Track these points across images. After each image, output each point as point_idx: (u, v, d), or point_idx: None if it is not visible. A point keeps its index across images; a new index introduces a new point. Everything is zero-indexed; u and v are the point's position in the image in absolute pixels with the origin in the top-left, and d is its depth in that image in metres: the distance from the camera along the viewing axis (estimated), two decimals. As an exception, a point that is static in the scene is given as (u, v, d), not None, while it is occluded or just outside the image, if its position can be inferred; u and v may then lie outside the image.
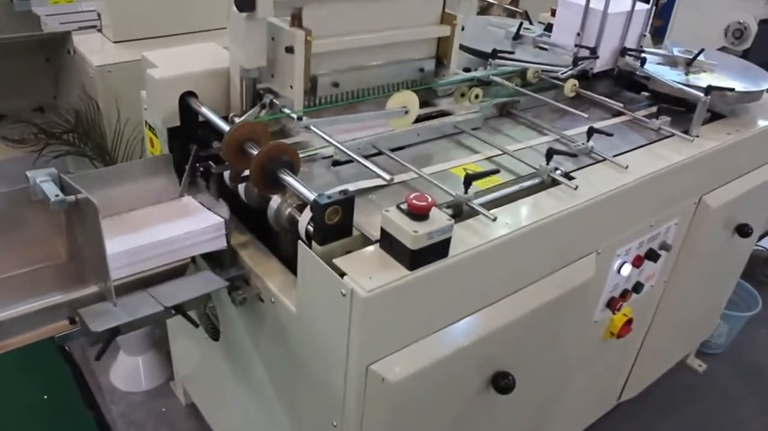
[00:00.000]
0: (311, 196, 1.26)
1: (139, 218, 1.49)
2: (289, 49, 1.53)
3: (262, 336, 1.58)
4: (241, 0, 1.42)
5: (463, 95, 1.87)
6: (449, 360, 1.32)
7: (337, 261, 1.21)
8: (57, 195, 1.29)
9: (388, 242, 1.22)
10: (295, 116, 1.54)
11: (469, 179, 1.37)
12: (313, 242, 1.25)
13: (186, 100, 1.62)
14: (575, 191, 1.51)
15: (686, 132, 1.90)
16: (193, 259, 1.50)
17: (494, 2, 3.49)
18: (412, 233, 1.16)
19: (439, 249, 1.22)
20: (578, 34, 2.06)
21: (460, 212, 1.38)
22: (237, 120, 1.61)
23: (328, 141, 1.46)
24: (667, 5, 3.41)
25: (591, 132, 1.72)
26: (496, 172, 1.48)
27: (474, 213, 1.37)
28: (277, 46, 1.57)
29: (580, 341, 1.83)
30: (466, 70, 2.00)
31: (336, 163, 1.55)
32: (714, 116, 2.06)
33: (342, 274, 1.19)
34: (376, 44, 1.69)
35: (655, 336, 2.25)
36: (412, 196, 1.19)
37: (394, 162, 1.56)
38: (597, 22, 2.00)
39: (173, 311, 1.36)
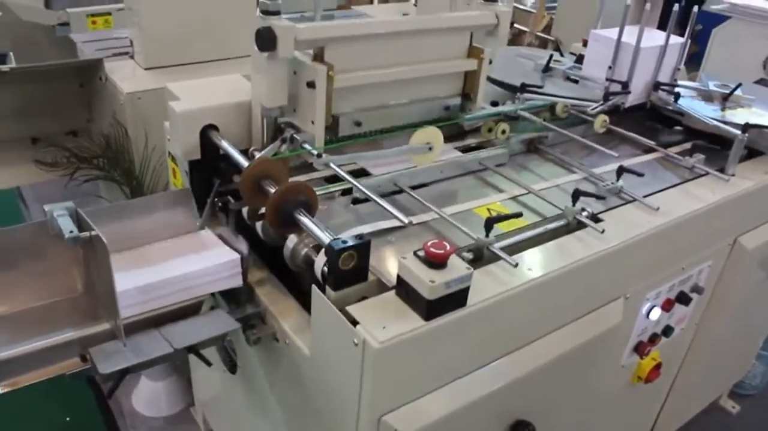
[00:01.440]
0: (326, 239, 1.23)
1: (156, 252, 1.48)
2: (311, 84, 1.52)
3: (277, 374, 1.55)
4: (263, 40, 1.42)
5: (490, 130, 1.84)
6: (466, 410, 1.27)
7: (350, 309, 1.18)
8: (72, 231, 1.29)
9: (405, 291, 1.19)
10: (314, 152, 1.51)
11: (490, 223, 1.33)
12: (327, 287, 1.22)
13: (207, 133, 1.62)
14: (602, 235, 1.46)
15: (722, 170, 1.83)
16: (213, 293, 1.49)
17: (526, 30, 3.46)
18: (428, 283, 1.12)
19: (457, 298, 1.18)
20: (610, 68, 2.01)
21: (480, 256, 1.34)
22: (257, 154, 1.60)
23: (346, 180, 1.43)
24: (704, 32, 3.32)
25: (621, 171, 1.66)
26: (518, 215, 1.43)
27: (495, 258, 1.33)
28: (299, 80, 1.56)
29: (606, 386, 1.76)
30: (494, 103, 1.96)
31: (356, 200, 1.53)
32: (751, 153, 1.98)
33: (355, 323, 1.15)
34: (400, 78, 1.67)
35: (685, 379, 2.16)
36: (429, 243, 1.16)
37: (416, 201, 1.53)
38: (629, 56, 1.95)
39: (186, 351, 1.34)
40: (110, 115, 2.48)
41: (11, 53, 2.56)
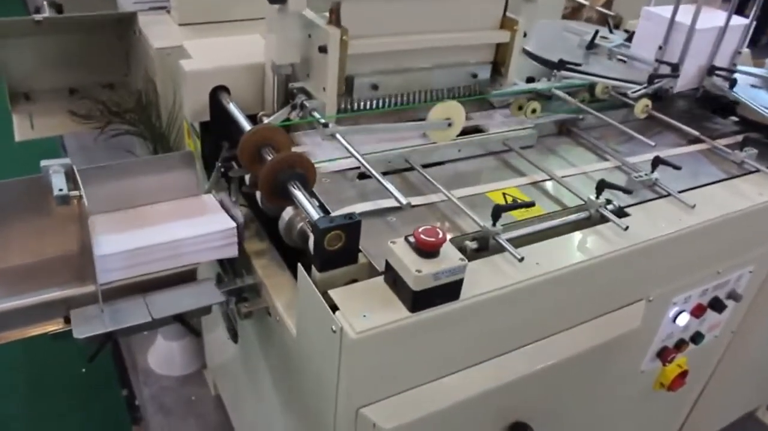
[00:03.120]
0: (315, 216, 1.15)
1: (151, 215, 1.43)
2: (323, 49, 1.43)
3: (269, 349, 1.50)
4: (273, -8, 1.33)
5: (520, 108, 1.71)
6: (455, 409, 1.19)
7: (333, 293, 1.10)
8: (61, 189, 1.25)
9: (392, 278, 1.10)
10: (322, 121, 1.43)
11: (498, 211, 1.22)
12: (313, 268, 1.15)
13: (217, 95, 1.55)
14: (626, 232, 1.33)
15: (776, 169, 1.66)
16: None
17: (585, 3, 3.24)
18: (414, 273, 1.03)
19: (448, 291, 1.09)
20: (660, 48, 1.84)
21: (486, 246, 1.24)
22: (266, 120, 1.53)
23: (349, 152, 1.35)
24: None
25: (656, 162, 1.52)
26: (530, 205, 1.32)
27: (502, 249, 1.23)
28: (313, 44, 1.47)
29: (623, 391, 1.64)
30: (530, 79, 1.83)
31: (362, 176, 1.44)
32: (813, 151, 1.80)
33: (335, 308, 1.08)
34: (422, 47, 1.56)
35: (716, 388, 2.02)
36: (421, 229, 1.06)
37: (426, 180, 1.43)
38: (682, 37, 1.78)
39: (170, 320, 1.30)
40: (143, 70, 2.45)
41: (45, 4, 2.57)
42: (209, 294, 1.33)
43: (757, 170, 1.65)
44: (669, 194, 1.49)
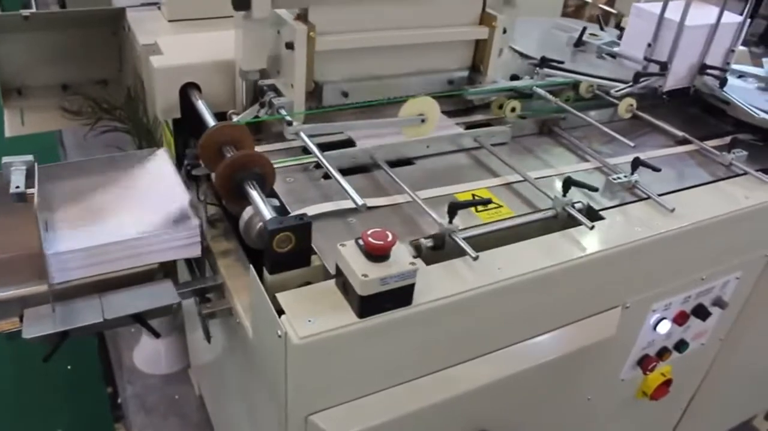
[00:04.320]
0: (267, 216, 1.12)
1: (114, 213, 1.40)
2: (289, 45, 1.39)
3: (235, 350, 1.48)
4: (238, -1, 1.30)
5: (501, 107, 1.67)
6: (411, 418, 1.15)
7: (280, 296, 1.07)
8: (18, 187, 1.23)
9: (342, 282, 1.07)
10: (287, 118, 1.39)
11: (454, 208, 1.18)
12: (265, 270, 1.12)
13: (187, 92, 1.52)
14: (598, 236, 1.28)
15: (765, 172, 1.60)
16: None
17: (588, 1, 3.19)
18: (360, 278, 1.00)
19: (399, 296, 1.05)
20: (649, 45, 1.78)
21: (441, 244, 1.20)
22: (235, 118, 1.50)
23: (311, 150, 1.31)
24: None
25: (637, 164, 1.46)
26: (487, 202, 1.28)
27: (460, 251, 1.18)
28: (282, 40, 1.44)
29: (602, 400, 1.59)
30: (514, 77, 1.78)
31: (327, 176, 1.40)
32: (808, 154, 1.73)
33: (281, 312, 1.04)
34: (396, 44, 1.52)
35: (706, 397, 1.95)
36: (370, 232, 1.03)
37: (394, 180, 1.39)
38: (672, 35, 1.72)
39: (131, 320, 1.27)
40: (132, 66, 2.44)
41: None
42: (166, 295, 1.30)
43: (745, 173, 1.59)
44: (649, 197, 1.44)
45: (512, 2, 1.59)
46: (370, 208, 1.29)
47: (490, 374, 1.22)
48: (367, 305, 1.02)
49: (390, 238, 1.02)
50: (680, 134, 1.70)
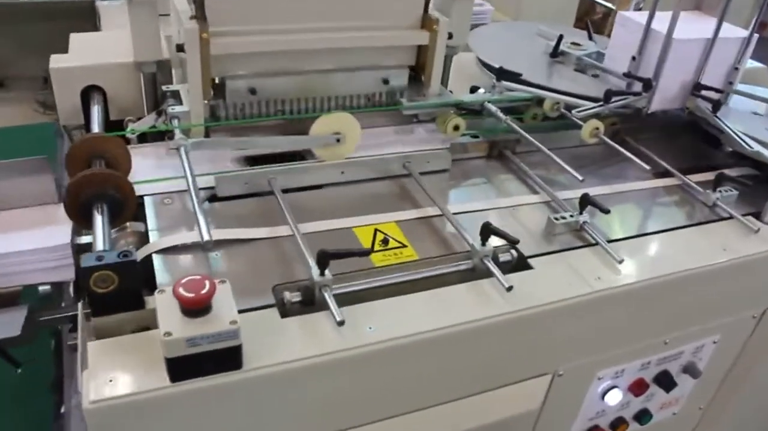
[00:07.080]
0: (99, 248, 0.95)
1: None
2: (180, 48, 1.22)
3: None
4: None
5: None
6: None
7: (92, 345, 0.90)
8: None
9: (161, 335, 0.88)
10: (177, 131, 1.22)
11: (324, 258, 0.97)
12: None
13: (88, 95, 1.38)
14: (514, 293, 1.05)
15: (756, 216, 1.33)
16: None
17: (612, 8, 2.91)
18: (162, 337, 0.81)
19: (223, 358, 0.86)
20: (633, 59, 1.52)
21: (311, 299, 1.00)
22: (131, 126, 1.34)
23: (183, 169, 1.12)
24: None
25: (585, 202, 1.22)
26: (365, 253, 1.06)
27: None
28: (173, 42, 1.27)
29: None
30: (474, 89, 1.56)
31: (213, 198, 1.22)
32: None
33: (85, 366, 0.87)
34: (313, 49, 1.32)
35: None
36: (185, 279, 0.84)
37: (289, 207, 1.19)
38: (659, 49, 1.46)
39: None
40: (103, 60, 2.33)
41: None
42: (12, 324, 1.15)
43: (731, 217, 1.32)
44: (597, 243, 1.19)
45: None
46: (249, 240, 1.11)
47: (361, 451, 1.02)
48: (177, 368, 0.84)
49: (207, 289, 0.83)
50: (662, 164, 1.44)
